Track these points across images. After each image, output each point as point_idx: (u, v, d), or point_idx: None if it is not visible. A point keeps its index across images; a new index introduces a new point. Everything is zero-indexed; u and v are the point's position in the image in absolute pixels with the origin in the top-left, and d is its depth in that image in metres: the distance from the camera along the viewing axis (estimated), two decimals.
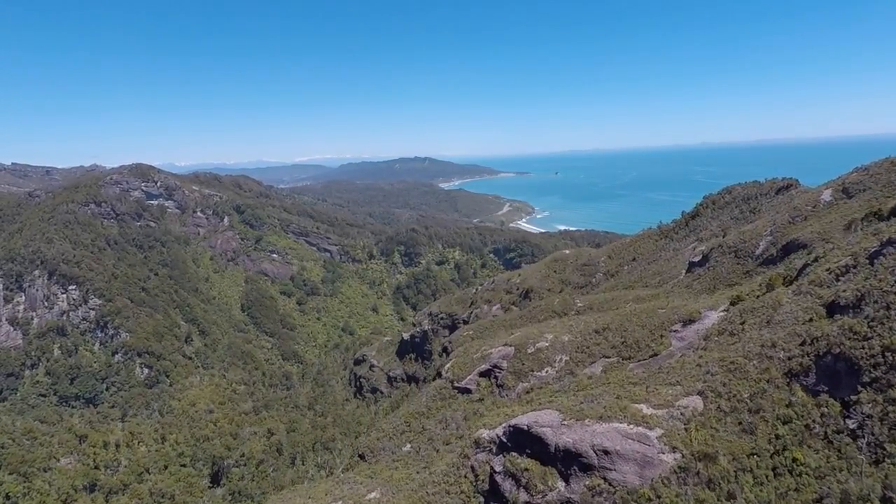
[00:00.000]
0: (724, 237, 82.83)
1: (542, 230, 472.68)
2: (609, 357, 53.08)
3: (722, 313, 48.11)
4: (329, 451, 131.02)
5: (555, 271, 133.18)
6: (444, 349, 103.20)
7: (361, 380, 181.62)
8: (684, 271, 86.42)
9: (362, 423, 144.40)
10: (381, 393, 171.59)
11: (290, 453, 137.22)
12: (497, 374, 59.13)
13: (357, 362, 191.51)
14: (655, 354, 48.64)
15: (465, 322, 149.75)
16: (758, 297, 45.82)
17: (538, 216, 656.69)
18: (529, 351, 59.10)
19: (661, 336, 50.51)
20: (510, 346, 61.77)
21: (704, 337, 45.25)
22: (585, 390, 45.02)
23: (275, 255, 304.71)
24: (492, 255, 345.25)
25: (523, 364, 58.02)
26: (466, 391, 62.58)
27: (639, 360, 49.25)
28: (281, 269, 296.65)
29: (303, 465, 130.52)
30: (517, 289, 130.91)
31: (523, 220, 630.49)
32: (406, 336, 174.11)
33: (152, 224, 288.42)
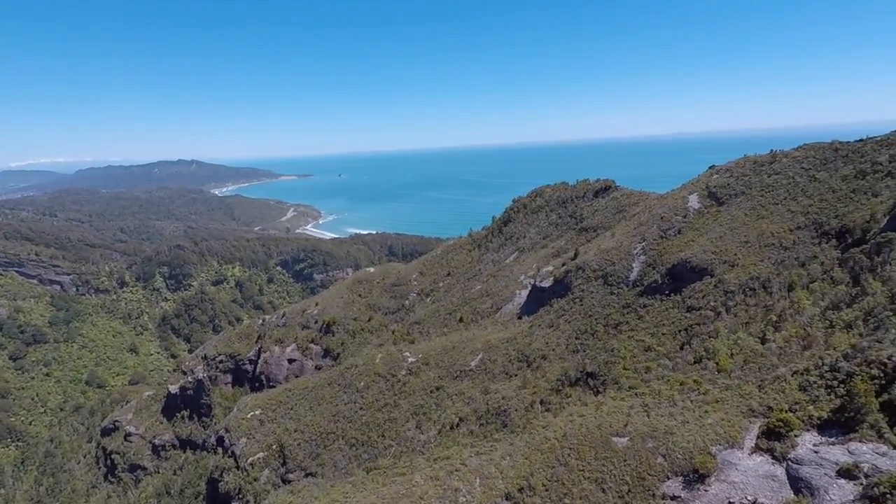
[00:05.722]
0: (575, 257, 68.13)
1: (332, 235, 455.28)
2: None
3: (761, 459, 28.06)
4: None
5: (359, 295, 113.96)
6: (220, 439, 74.90)
7: (114, 456, 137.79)
8: (522, 292, 73.95)
9: None
10: (145, 469, 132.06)
11: None
12: None
13: (106, 432, 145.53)
14: None
15: (253, 364, 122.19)
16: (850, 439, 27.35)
17: (325, 220, 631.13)
18: None
19: None
20: None
21: None
22: None
23: None
24: (279, 268, 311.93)
25: None
26: None
27: None
28: None
29: None
30: (316, 321, 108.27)
31: (310, 225, 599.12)
32: (174, 389, 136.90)
33: None
